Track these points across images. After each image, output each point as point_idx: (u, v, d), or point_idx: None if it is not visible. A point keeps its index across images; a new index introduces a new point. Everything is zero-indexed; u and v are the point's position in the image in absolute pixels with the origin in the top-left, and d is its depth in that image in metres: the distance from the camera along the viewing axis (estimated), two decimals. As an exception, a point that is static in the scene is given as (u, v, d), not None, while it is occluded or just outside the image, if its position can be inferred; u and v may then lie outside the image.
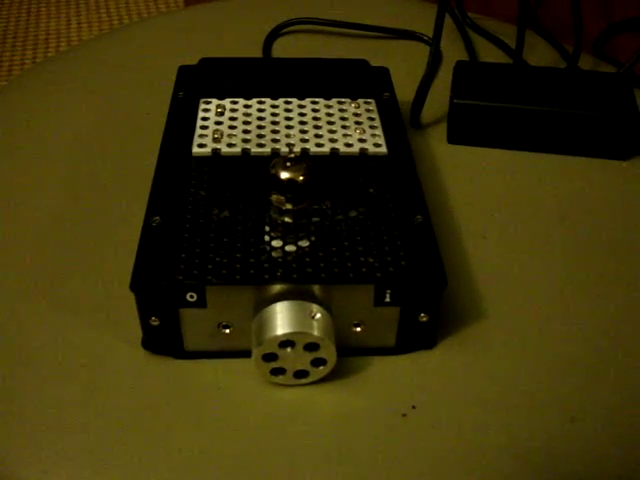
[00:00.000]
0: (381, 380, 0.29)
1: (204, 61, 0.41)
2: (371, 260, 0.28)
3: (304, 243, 0.29)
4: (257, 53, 0.51)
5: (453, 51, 0.51)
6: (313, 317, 0.27)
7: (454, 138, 0.42)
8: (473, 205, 0.38)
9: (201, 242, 0.28)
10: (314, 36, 0.53)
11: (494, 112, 0.40)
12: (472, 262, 0.34)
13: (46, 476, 0.26)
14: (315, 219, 0.30)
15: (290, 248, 0.28)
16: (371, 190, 0.32)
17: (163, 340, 0.29)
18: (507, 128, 0.41)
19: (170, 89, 0.38)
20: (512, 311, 0.32)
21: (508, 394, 0.29)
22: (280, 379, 0.28)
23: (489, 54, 0.51)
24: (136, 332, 0.29)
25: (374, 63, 0.42)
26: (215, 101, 0.36)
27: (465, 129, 0.42)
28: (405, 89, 0.44)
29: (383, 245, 0.29)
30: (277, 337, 0.26)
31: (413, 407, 0.28)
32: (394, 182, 0.32)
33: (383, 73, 0.41)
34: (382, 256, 0.28)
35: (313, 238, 0.29)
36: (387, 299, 0.28)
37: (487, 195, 0.39)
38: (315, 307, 0.27)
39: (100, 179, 0.39)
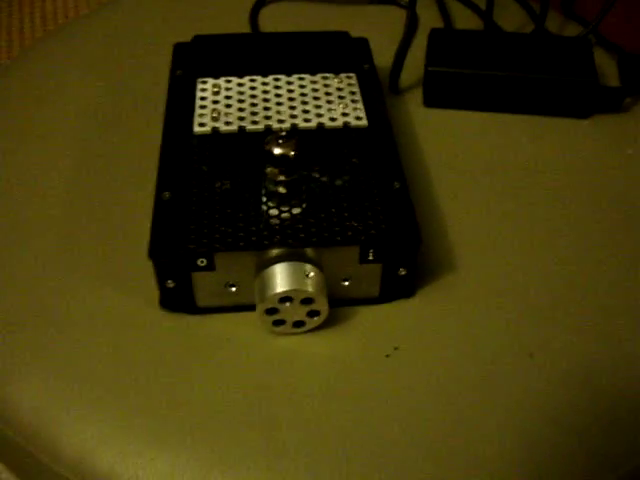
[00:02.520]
0: (367, 326, 0.34)
1: (197, 38, 0.44)
2: (356, 224, 0.32)
3: (297, 210, 0.33)
4: (244, 22, 0.53)
5: (430, 15, 0.54)
6: (307, 276, 0.31)
7: (430, 102, 0.46)
8: (446, 165, 0.42)
9: (208, 213, 0.33)
10: (298, 4, 0.56)
11: (466, 78, 0.44)
12: (446, 220, 0.38)
13: (76, 424, 0.31)
14: (306, 188, 0.34)
15: (285, 215, 0.33)
16: (354, 160, 0.36)
17: (178, 299, 0.33)
18: (478, 92, 0.45)
19: (163, 61, 0.42)
20: (482, 263, 0.36)
21: (477, 335, 0.33)
22: (280, 329, 0.33)
23: (463, 16, 0.54)
24: (153, 293, 0.34)
25: (354, 29, 0.45)
26: (211, 80, 0.40)
27: (439, 94, 0.45)
28: (384, 54, 0.47)
29: (366, 210, 0.33)
30: (277, 294, 0.31)
31: (395, 348, 0.33)
32: (374, 152, 0.36)
33: (363, 44, 0.44)
34: (365, 220, 0.32)
35: (305, 205, 0.33)
36: (370, 257, 0.32)
37: (459, 155, 0.43)
38: (309, 267, 0.32)
39: (107, 153, 0.42)
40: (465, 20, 0.54)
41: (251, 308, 0.33)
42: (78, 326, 0.34)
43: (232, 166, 0.35)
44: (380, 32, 0.50)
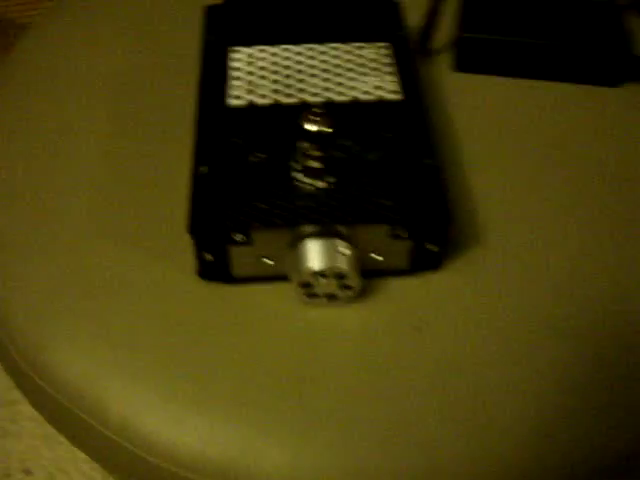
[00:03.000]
0: (396, 298, 0.35)
1: (229, 1, 0.44)
2: (388, 203, 0.33)
3: (330, 185, 0.34)
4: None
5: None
6: (341, 252, 0.33)
7: (461, 67, 0.46)
8: (476, 134, 0.42)
9: (244, 188, 0.34)
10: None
11: (499, 45, 0.44)
12: (474, 192, 0.39)
13: (121, 389, 0.33)
14: (340, 164, 0.35)
15: (319, 191, 0.34)
16: (388, 134, 0.36)
17: (215, 269, 0.35)
18: (511, 59, 0.44)
19: (194, 19, 0.42)
20: (507, 237, 0.37)
21: (499, 308, 0.35)
22: (314, 301, 0.34)
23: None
24: (190, 262, 0.35)
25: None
26: (244, 50, 0.40)
27: (471, 59, 0.45)
28: (414, 11, 0.47)
29: (398, 187, 0.34)
30: (313, 270, 0.32)
31: (422, 321, 0.34)
32: (408, 127, 0.36)
33: (394, 9, 0.44)
34: (397, 198, 0.33)
35: (337, 180, 0.34)
36: (401, 234, 0.33)
37: (489, 124, 0.43)
38: (342, 243, 0.33)
39: (140, 121, 0.43)
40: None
41: (285, 278, 0.34)
42: (120, 293, 0.35)
43: (266, 139, 0.36)
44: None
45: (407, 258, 0.35)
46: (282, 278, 0.35)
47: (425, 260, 0.35)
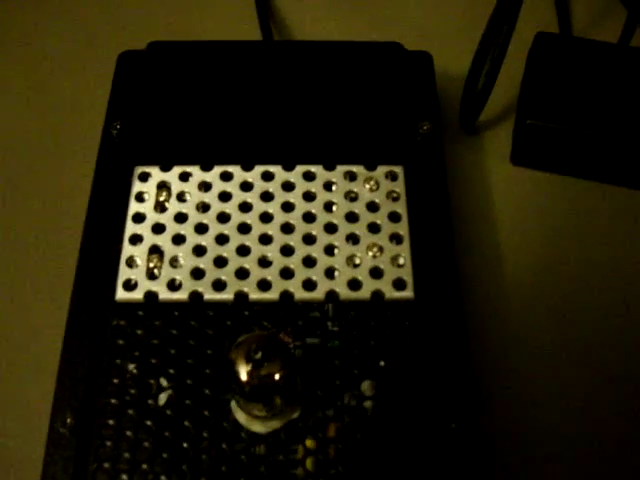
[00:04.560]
0: None
1: (153, 47, 0.27)
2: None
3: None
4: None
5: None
6: None
7: (520, 160, 0.29)
8: (534, 279, 0.27)
9: (133, 466, 0.19)
10: None
11: (578, 137, 0.27)
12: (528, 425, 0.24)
13: None
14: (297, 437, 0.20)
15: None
16: (381, 363, 0.21)
17: None
18: (595, 157, 0.28)
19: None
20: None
21: None
22: None
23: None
24: None
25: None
26: (156, 174, 0.23)
27: (536, 152, 0.29)
28: (455, 60, 0.30)
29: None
30: None
31: None
32: (420, 351, 0.21)
33: (423, 66, 0.27)
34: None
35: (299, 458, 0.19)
36: None
37: (557, 259, 0.27)
38: None
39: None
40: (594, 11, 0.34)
41: None
42: None
43: (177, 368, 0.21)
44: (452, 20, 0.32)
45: None
46: None
47: None
